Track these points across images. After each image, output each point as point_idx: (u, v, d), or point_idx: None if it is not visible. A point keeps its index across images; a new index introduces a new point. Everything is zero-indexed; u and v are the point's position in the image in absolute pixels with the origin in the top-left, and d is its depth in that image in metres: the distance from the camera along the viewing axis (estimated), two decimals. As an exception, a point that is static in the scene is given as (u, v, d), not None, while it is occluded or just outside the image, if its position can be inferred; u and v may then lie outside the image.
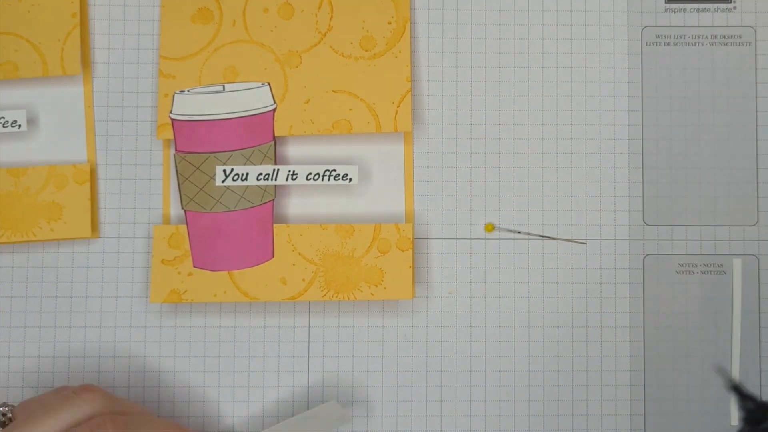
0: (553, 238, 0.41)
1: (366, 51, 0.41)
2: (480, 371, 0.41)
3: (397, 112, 0.41)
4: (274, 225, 0.41)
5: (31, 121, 0.41)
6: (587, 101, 0.42)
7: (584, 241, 0.42)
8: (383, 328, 0.41)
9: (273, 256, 0.40)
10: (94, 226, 0.41)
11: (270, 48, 0.41)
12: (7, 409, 0.36)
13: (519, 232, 0.41)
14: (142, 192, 0.41)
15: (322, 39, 0.41)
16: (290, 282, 0.40)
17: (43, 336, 0.41)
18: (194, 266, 0.40)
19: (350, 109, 0.41)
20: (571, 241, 0.41)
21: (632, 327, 0.41)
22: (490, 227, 0.41)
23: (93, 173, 0.41)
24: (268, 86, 0.41)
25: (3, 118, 0.40)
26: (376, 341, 0.41)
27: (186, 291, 0.40)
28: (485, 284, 0.41)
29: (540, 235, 0.41)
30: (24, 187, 0.40)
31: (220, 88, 0.41)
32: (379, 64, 0.41)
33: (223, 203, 0.40)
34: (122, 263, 0.41)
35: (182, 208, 0.41)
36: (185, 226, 0.41)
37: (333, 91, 0.41)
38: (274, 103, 0.41)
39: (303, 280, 0.40)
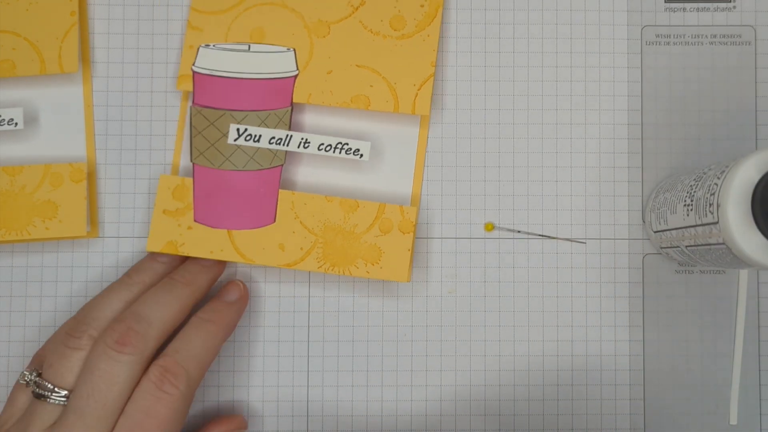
0: (553, 238, 0.40)
1: (395, 30, 0.39)
2: (480, 371, 0.40)
3: (417, 95, 0.39)
4: (280, 190, 0.39)
5: (32, 121, 0.40)
6: (587, 101, 0.40)
7: (584, 241, 0.40)
8: (382, 327, 0.40)
9: (274, 221, 0.39)
10: (94, 225, 0.40)
11: (300, 14, 0.39)
12: (35, 376, 0.34)
13: (519, 232, 0.40)
14: (141, 191, 0.40)
15: (353, 12, 0.40)
16: (288, 249, 0.38)
17: (42, 336, 0.40)
18: (195, 220, 0.39)
19: (371, 86, 0.39)
20: (571, 241, 0.40)
21: (632, 327, 0.40)
22: (490, 226, 0.40)
23: (92, 172, 0.40)
24: (293, 52, 0.39)
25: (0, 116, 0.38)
26: (375, 341, 0.40)
27: (183, 244, 0.38)
28: (485, 284, 0.40)
29: (540, 235, 0.40)
30: (20, 186, 0.38)
31: (246, 47, 0.39)
32: (406, 46, 0.39)
33: (232, 161, 0.39)
34: (122, 263, 0.40)
35: (191, 161, 0.39)
36: (191, 179, 0.39)
37: (357, 65, 0.39)
38: (297, 69, 0.39)
39: (301, 249, 0.39)
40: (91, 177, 0.40)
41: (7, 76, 0.38)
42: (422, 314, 0.40)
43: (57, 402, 0.33)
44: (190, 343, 0.35)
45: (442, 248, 0.40)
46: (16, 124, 0.38)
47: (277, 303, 0.40)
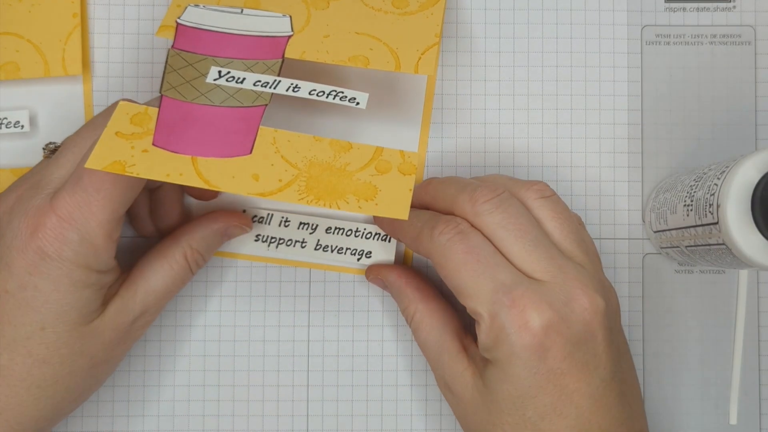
0: (553, 238, 0.40)
1: (397, 8, 0.38)
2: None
3: (420, 58, 0.36)
4: (261, 127, 0.34)
5: (31, 121, 0.39)
6: (587, 101, 0.40)
7: (584, 241, 0.40)
8: (382, 327, 0.40)
9: (250, 153, 0.33)
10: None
11: None
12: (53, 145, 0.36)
13: (519, 232, 0.40)
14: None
15: None
16: (263, 179, 0.33)
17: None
18: (153, 144, 0.33)
19: (371, 49, 0.36)
20: (571, 241, 0.40)
21: (632, 327, 0.40)
22: (490, 227, 0.40)
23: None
24: (288, 17, 0.36)
25: (6, 119, 0.38)
26: (376, 341, 0.40)
27: (134, 165, 0.32)
28: (485, 284, 0.40)
29: (540, 235, 0.40)
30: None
31: (239, 10, 0.36)
32: (409, 20, 0.37)
33: (208, 97, 0.34)
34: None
35: (159, 92, 0.34)
36: (156, 109, 0.34)
37: (356, 32, 0.36)
38: (292, 31, 0.36)
39: (279, 180, 0.33)
40: (92, 177, 0.40)
41: (11, 78, 0.38)
42: (422, 314, 0.40)
43: None
44: None
45: (442, 248, 0.40)
46: (23, 126, 0.38)
47: (277, 303, 0.40)
